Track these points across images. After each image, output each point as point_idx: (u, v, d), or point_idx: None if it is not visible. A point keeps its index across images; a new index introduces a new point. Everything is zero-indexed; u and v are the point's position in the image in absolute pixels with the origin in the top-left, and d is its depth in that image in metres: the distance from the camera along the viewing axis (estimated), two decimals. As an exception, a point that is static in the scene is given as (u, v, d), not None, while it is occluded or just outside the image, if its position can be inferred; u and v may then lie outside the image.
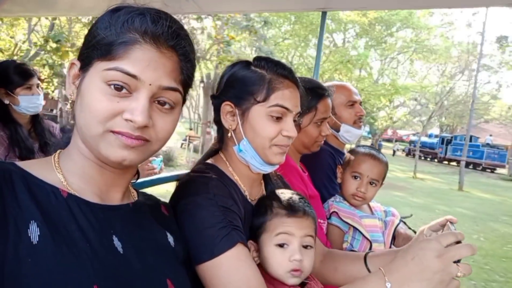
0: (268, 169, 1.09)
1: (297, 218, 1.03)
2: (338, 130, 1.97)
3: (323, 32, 2.69)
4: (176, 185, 1.05)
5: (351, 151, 1.72)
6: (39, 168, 0.73)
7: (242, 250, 0.92)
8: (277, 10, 3.31)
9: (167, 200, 1.00)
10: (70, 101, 0.76)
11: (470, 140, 20.93)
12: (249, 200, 1.09)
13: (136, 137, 0.71)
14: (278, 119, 1.04)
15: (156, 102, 0.74)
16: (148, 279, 0.75)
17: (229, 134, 1.07)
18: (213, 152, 1.17)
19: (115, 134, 0.71)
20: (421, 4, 2.79)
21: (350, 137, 1.99)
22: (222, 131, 1.12)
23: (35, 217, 0.65)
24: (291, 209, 1.04)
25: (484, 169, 23.52)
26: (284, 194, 1.09)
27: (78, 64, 0.75)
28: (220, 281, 0.88)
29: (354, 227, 1.54)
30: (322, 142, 1.64)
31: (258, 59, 1.09)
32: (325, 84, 1.79)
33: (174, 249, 0.86)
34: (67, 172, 0.75)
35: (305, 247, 1.03)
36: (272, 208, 1.04)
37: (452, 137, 25.82)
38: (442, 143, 26.39)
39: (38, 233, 0.63)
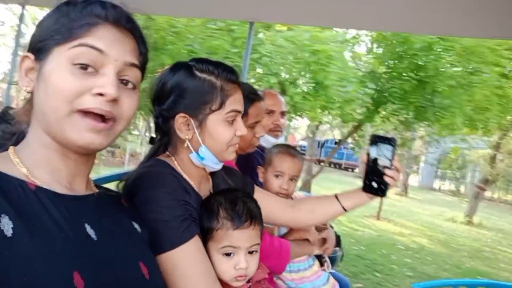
0: (220, 166, 1.16)
1: (243, 229, 1.05)
2: None
3: (250, 41, 2.86)
4: (128, 180, 1.05)
5: (269, 151, 1.80)
6: (3, 164, 0.70)
7: (199, 241, 0.99)
8: (211, 16, 3.40)
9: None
10: (25, 93, 0.74)
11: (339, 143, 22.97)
12: (200, 195, 1.13)
13: (106, 112, 0.72)
14: (233, 122, 1.10)
15: (120, 81, 0.75)
16: (123, 263, 0.77)
17: (185, 144, 1.08)
18: (156, 152, 1.17)
19: (83, 117, 0.71)
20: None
21: (265, 143, 2.08)
22: (168, 139, 1.13)
23: (6, 211, 0.62)
24: (238, 221, 1.05)
25: (346, 169, 24.83)
26: (231, 199, 1.11)
27: (31, 56, 0.73)
28: (182, 269, 0.93)
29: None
30: (257, 143, 1.73)
31: (199, 62, 1.09)
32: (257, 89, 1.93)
33: (140, 234, 0.88)
34: (30, 165, 0.72)
35: (251, 252, 1.09)
36: (219, 218, 1.05)
37: (325, 141, 27.46)
38: (318, 146, 28.02)
39: (12, 226, 0.62)
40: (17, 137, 0.78)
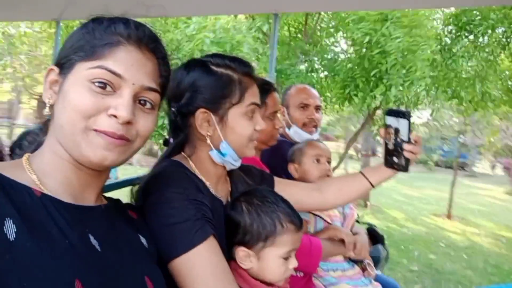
0: (239, 163, 1.12)
1: (301, 231, 1.07)
2: (289, 129, 2.06)
3: (276, 35, 2.77)
4: (142, 182, 1.03)
5: (294, 148, 1.79)
6: (9, 169, 0.71)
7: (214, 242, 0.94)
8: (234, 12, 3.37)
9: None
10: (48, 106, 0.76)
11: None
12: (217, 197, 1.09)
13: (119, 136, 0.72)
14: (252, 116, 1.07)
15: (137, 102, 0.76)
16: (127, 275, 0.76)
17: (207, 141, 1.06)
18: (172, 153, 1.14)
19: (98, 133, 0.71)
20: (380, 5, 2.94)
21: (298, 138, 2.04)
22: (185, 138, 1.10)
23: (10, 214, 0.63)
24: (298, 223, 1.06)
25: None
26: (285, 203, 1.09)
27: (56, 69, 0.76)
28: (196, 273, 0.88)
29: (316, 215, 1.59)
30: (278, 135, 1.71)
31: (214, 57, 1.09)
32: (288, 86, 1.87)
33: (147, 249, 0.86)
34: (40, 173, 0.73)
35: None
36: (282, 223, 1.03)
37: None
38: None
39: (15, 230, 0.62)
40: (36, 147, 0.80)
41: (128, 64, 0.73)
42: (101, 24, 0.76)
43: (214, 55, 1.10)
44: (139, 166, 10.79)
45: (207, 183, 1.07)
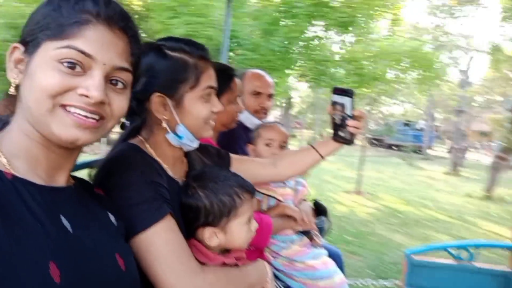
0: (197, 145, 1.15)
1: (255, 196, 1.16)
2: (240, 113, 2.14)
3: (229, 18, 2.79)
4: (100, 165, 1.04)
5: (258, 127, 1.87)
6: None
7: (172, 221, 0.98)
8: None
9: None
10: (13, 85, 0.73)
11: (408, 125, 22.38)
12: (174, 178, 1.12)
13: (91, 111, 0.71)
14: (208, 99, 1.10)
15: (109, 82, 0.75)
16: (99, 255, 0.77)
17: (163, 125, 1.07)
18: (129, 137, 1.15)
19: (67, 112, 0.70)
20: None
21: (249, 123, 2.10)
22: (141, 122, 1.11)
23: None
24: (252, 191, 1.14)
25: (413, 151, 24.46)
26: (235, 176, 1.15)
27: (21, 47, 0.73)
28: (156, 250, 0.93)
29: (268, 195, 1.70)
30: (237, 118, 1.77)
31: (169, 41, 1.09)
32: (242, 70, 1.92)
33: (116, 226, 0.88)
34: (9, 155, 0.72)
35: None
36: (240, 195, 1.10)
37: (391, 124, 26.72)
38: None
39: None
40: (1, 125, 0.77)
41: (98, 44, 0.71)
42: (68, 1, 0.72)
43: (168, 39, 1.11)
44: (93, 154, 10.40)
45: (164, 165, 1.10)
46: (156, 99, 1.05)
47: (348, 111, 1.29)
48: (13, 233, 0.63)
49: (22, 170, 0.71)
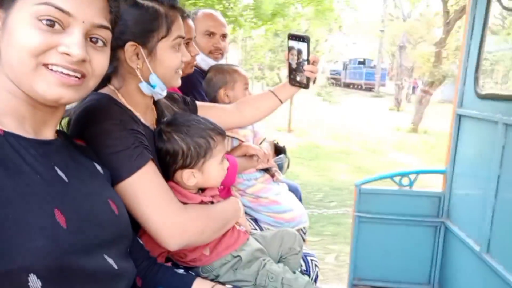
0: (165, 93, 1.18)
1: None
2: None
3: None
4: (74, 115, 1.05)
5: (229, 71, 1.89)
6: None
7: (153, 166, 1.04)
8: None
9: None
10: None
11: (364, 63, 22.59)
12: (146, 125, 1.16)
13: (73, 69, 0.72)
14: (178, 48, 1.12)
15: (89, 39, 0.75)
16: (95, 201, 0.83)
17: (137, 73, 1.08)
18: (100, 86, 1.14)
19: (50, 70, 0.71)
20: None
21: (205, 65, 2.09)
22: (113, 71, 1.11)
23: None
24: (223, 132, 1.22)
25: (367, 89, 24.93)
26: (206, 120, 1.22)
27: None
28: (142, 193, 0.99)
29: (232, 137, 1.79)
30: (194, 62, 1.77)
31: None
32: (193, 10, 1.87)
33: (104, 175, 0.93)
34: None
35: None
36: (213, 137, 1.18)
37: (349, 61, 26.93)
38: (344, 69, 27.84)
39: None
40: None
41: (77, 1, 0.71)
42: None
43: None
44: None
45: (137, 114, 1.13)
46: (129, 48, 1.06)
47: (304, 56, 1.35)
48: (17, 184, 0.67)
49: (11, 126, 0.73)
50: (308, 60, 1.36)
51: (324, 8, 7.31)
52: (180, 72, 1.18)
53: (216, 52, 2.13)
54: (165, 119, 1.23)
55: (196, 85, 2.00)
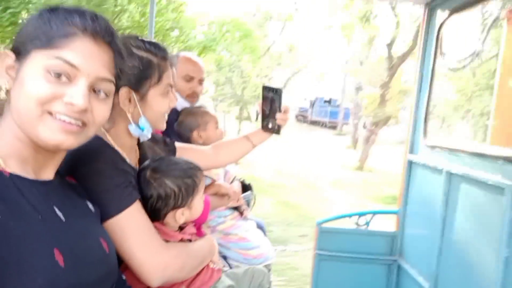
0: (150, 135, 1.26)
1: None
2: None
3: (153, 7, 2.78)
4: (67, 154, 1.10)
5: (194, 118, 2.00)
6: None
7: (140, 205, 1.12)
8: None
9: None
10: (5, 90, 0.79)
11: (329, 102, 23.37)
12: (131, 165, 1.22)
13: (75, 118, 0.78)
14: (167, 94, 1.23)
15: (92, 91, 0.82)
16: (88, 239, 0.88)
17: (129, 116, 1.17)
18: None
19: (54, 118, 0.77)
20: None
21: (179, 106, 2.17)
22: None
23: None
24: (201, 170, 1.32)
25: (331, 127, 25.38)
26: (186, 160, 1.31)
27: (12, 55, 0.79)
28: (130, 230, 1.06)
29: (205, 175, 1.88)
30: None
31: (135, 40, 1.19)
32: (174, 54, 1.98)
33: (95, 213, 0.98)
34: (3, 154, 0.77)
35: None
36: (197, 175, 1.27)
37: (315, 100, 27.62)
38: (310, 106, 28.47)
39: None
40: None
41: (84, 56, 0.77)
42: (57, 15, 0.78)
43: (133, 37, 1.20)
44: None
45: (123, 154, 1.20)
46: (124, 92, 1.14)
47: (277, 105, 1.53)
48: (20, 225, 0.72)
49: (14, 168, 0.78)
50: (279, 109, 1.51)
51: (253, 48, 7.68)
52: (166, 116, 1.28)
53: (193, 95, 2.23)
54: (146, 162, 1.30)
55: (172, 125, 2.08)
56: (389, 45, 11.20)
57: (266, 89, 1.55)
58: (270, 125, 1.56)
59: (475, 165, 1.80)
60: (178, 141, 1.95)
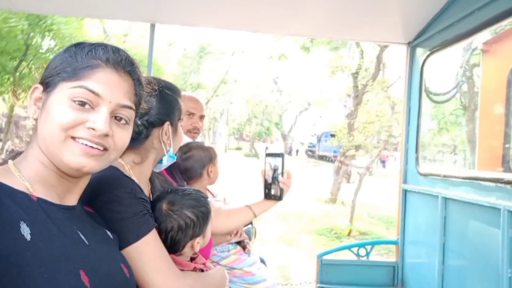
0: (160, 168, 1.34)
1: None
2: None
3: (152, 43, 2.92)
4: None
5: (208, 152, 2.04)
6: (5, 177, 0.77)
7: (156, 233, 1.14)
8: (111, 17, 3.24)
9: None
10: (33, 120, 0.83)
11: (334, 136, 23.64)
12: (146, 195, 1.25)
13: (97, 143, 0.81)
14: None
15: (114, 117, 0.85)
16: (111, 264, 0.89)
17: (167, 148, 1.28)
18: None
19: (76, 142, 0.80)
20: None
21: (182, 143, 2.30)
22: (139, 145, 1.26)
23: (23, 218, 0.72)
24: (207, 196, 1.35)
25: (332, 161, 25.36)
26: (194, 189, 1.34)
27: (40, 88, 0.84)
28: (147, 256, 1.07)
29: None
30: None
31: (165, 83, 1.31)
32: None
33: (114, 241, 1.00)
34: (30, 179, 0.80)
35: None
36: (208, 203, 1.30)
37: (321, 134, 27.63)
38: (317, 141, 28.61)
39: (29, 231, 0.71)
40: (14, 154, 0.87)
41: (106, 85, 0.82)
42: (82, 49, 0.84)
43: (163, 81, 1.33)
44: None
45: (140, 185, 1.23)
46: (167, 126, 1.27)
47: (279, 170, 1.53)
48: (49, 246, 0.74)
49: (41, 192, 0.81)
50: (282, 173, 1.54)
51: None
52: None
53: (194, 130, 2.31)
54: (158, 194, 1.33)
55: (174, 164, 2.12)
56: (354, 74, 10.93)
57: (268, 155, 1.56)
58: (272, 192, 1.55)
59: (470, 189, 1.88)
60: (180, 175, 2.00)
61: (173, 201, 1.26)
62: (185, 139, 2.27)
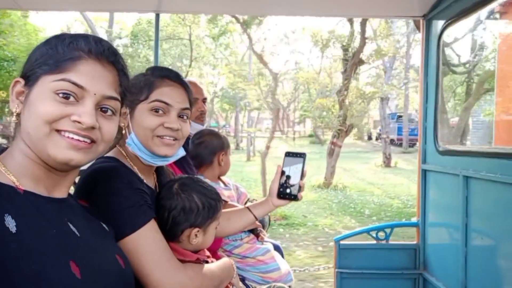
0: (159, 162, 1.24)
1: None
2: None
3: (158, 32, 2.89)
4: (83, 176, 1.13)
5: (222, 140, 2.01)
6: None
7: (155, 224, 1.11)
8: (111, 10, 3.24)
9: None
10: (15, 114, 0.81)
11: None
12: (149, 185, 1.24)
13: (83, 135, 0.80)
14: (160, 112, 1.19)
15: (99, 109, 0.84)
16: (104, 255, 0.88)
17: (123, 132, 1.19)
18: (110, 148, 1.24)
19: (62, 135, 0.78)
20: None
21: (192, 130, 2.17)
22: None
23: (8, 211, 0.71)
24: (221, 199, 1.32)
25: (400, 145, 23.15)
26: (210, 185, 1.30)
27: (22, 81, 0.82)
28: (144, 248, 1.05)
29: None
30: None
31: (148, 69, 1.26)
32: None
33: (109, 233, 0.99)
34: (16, 173, 0.79)
35: None
36: (221, 201, 1.28)
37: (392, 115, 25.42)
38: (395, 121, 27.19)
39: (15, 224, 0.70)
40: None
41: (89, 76, 0.80)
42: (63, 41, 0.82)
43: (150, 67, 1.28)
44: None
45: (140, 175, 1.21)
46: (123, 110, 1.20)
47: (299, 171, 1.43)
48: (37, 238, 0.73)
49: (28, 186, 0.80)
50: (302, 174, 1.43)
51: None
52: (165, 139, 1.25)
53: (201, 116, 2.28)
54: (175, 177, 1.33)
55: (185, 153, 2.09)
56: (344, 47, 10.00)
57: (289, 154, 1.48)
58: (288, 191, 1.44)
59: (492, 167, 1.77)
60: (190, 162, 1.97)
61: (186, 183, 1.26)
62: (195, 127, 2.25)
